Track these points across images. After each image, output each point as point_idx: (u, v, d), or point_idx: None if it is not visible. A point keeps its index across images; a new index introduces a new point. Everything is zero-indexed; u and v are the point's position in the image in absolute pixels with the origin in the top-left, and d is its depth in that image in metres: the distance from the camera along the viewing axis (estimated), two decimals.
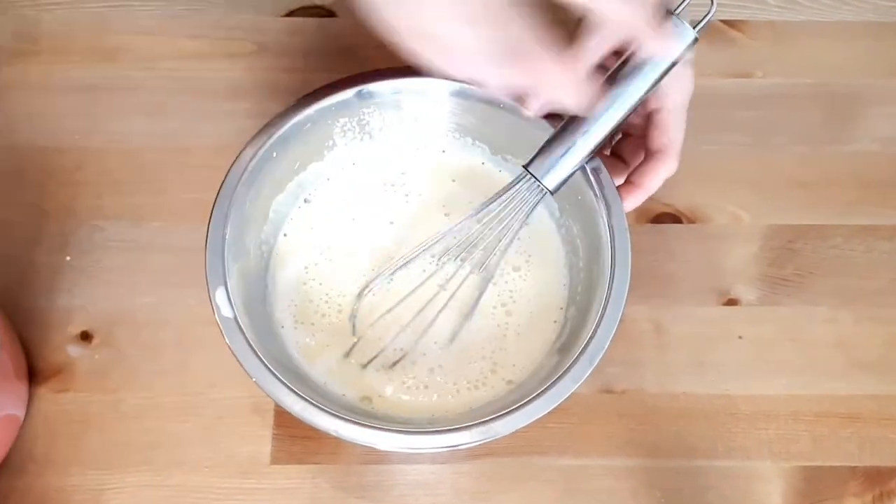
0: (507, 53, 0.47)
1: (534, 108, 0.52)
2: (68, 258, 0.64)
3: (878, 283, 0.64)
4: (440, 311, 0.55)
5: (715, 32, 0.73)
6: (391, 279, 0.56)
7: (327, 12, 0.74)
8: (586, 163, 0.52)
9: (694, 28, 0.48)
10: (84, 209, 0.65)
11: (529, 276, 0.58)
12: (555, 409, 0.48)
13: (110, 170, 0.67)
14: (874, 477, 0.59)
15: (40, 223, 0.65)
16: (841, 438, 0.60)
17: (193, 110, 0.69)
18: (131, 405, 0.60)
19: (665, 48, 0.48)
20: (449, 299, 0.54)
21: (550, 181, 0.51)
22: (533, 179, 0.51)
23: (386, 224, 0.59)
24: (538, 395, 0.48)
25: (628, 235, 0.52)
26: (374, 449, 0.48)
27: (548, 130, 0.53)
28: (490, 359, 0.55)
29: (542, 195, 0.52)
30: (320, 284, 0.57)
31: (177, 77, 0.71)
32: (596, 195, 0.53)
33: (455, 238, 0.55)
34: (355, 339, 0.56)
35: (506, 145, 0.59)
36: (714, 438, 0.59)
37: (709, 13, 0.48)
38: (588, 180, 0.53)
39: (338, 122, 0.57)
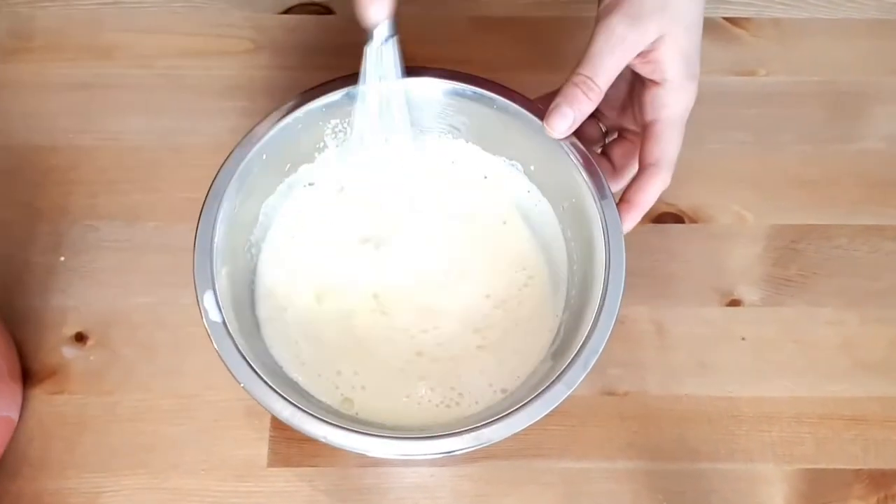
0: None
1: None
2: (62, 258, 0.64)
3: (883, 284, 0.65)
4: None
5: (718, 30, 0.73)
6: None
7: (325, 9, 0.74)
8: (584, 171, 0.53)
9: None
10: (78, 208, 0.66)
11: (529, 279, 0.58)
12: (548, 414, 0.48)
13: (105, 169, 0.67)
14: (878, 480, 0.59)
15: (34, 222, 0.65)
16: (845, 441, 0.60)
17: (189, 109, 0.69)
18: (127, 407, 0.60)
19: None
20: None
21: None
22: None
23: (377, 227, 0.59)
24: (531, 400, 0.48)
25: (622, 238, 0.52)
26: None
27: (537, 127, 0.53)
28: (483, 368, 0.55)
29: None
30: (306, 288, 0.57)
31: (173, 75, 0.71)
32: (593, 197, 0.53)
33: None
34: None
35: (499, 145, 0.59)
36: (717, 441, 0.59)
37: None
38: (584, 182, 0.53)
39: (329, 123, 0.57)
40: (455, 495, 0.58)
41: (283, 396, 0.48)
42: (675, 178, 0.53)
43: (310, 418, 0.47)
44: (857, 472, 0.59)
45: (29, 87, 0.70)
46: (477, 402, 0.53)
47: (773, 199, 0.67)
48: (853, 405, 0.61)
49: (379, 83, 0.52)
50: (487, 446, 0.47)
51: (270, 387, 0.48)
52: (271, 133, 0.54)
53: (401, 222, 0.59)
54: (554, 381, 0.48)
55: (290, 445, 0.59)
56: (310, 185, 0.59)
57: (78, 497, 0.57)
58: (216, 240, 0.51)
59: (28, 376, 0.60)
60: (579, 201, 0.54)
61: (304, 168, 0.59)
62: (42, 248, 0.64)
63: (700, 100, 0.53)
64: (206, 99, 0.70)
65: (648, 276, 0.64)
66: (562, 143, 0.54)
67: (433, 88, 0.55)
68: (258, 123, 0.54)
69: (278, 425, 0.59)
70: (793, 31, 0.73)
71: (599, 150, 0.58)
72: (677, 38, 0.50)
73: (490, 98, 0.55)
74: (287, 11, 0.74)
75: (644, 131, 0.53)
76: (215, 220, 0.52)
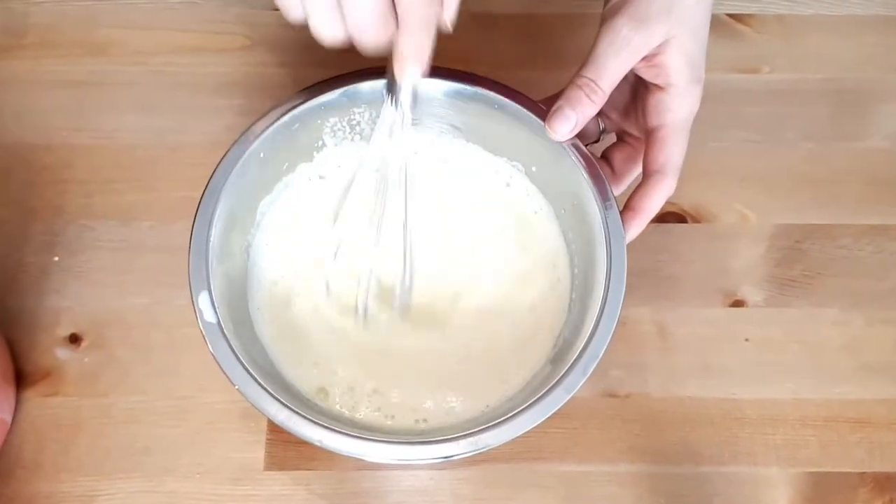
0: None
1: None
2: (56, 258, 0.64)
3: (889, 284, 0.64)
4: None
5: (722, 26, 0.73)
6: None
7: None
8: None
9: None
10: (73, 208, 0.65)
11: (529, 283, 0.57)
12: (546, 419, 0.47)
13: (100, 167, 0.67)
14: (884, 483, 0.59)
15: (28, 222, 0.65)
16: (850, 444, 0.60)
17: (185, 106, 0.69)
18: (122, 409, 0.59)
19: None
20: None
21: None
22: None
23: (376, 226, 0.58)
24: (530, 405, 0.48)
25: (624, 243, 0.52)
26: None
27: (538, 128, 0.53)
28: (483, 372, 0.55)
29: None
30: (304, 288, 0.57)
31: (168, 72, 0.71)
32: (595, 200, 0.53)
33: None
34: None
35: (500, 145, 0.59)
36: (720, 444, 0.59)
37: None
38: (587, 185, 0.53)
39: (327, 122, 0.57)
40: (454, 499, 0.58)
41: (277, 399, 0.48)
42: (679, 176, 0.53)
43: (305, 422, 0.47)
44: (862, 475, 0.59)
45: (22, 85, 0.70)
46: (475, 407, 0.53)
47: (777, 199, 0.67)
48: (858, 407, 0.61)
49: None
50: (485, 451, 0.47)
51: (265, 389, 0.48)
52: (269, 131, 0.54)
53: (400, 222, 0.58)
54: (553, 386, 0.48)
55: (286, 449, 0.59)
56: (318, 178, 0.59)
57: (72, 500, 0.57)
58: (212, 239, 0.51)
59: (21, 378, 0.60)
60: (581, 204, 0.54)
61: (301, 167, 0.59)
62: (36, 247, 0.64)
63: (703, 97, 0.53)
64: (202, 96, 0.70)
65: (650, 276, 0.64)
66: (564, 144, 0.53)
67: (434, 87, 0.55)
68: (256, 121, 0.54)
69: (275, 428, 0.59)
70: (797, 27, 0.73)
71: (599, 154, 0.58)
72: (683, 41, 0.50)
73: (491, 98, 0.55)
74: None
75: (648, 136, 0.53)
76: (211, 219, 0.52)
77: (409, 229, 0.55)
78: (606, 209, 0.52)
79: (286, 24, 0.72)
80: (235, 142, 0.54)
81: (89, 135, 0.68)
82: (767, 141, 0.69)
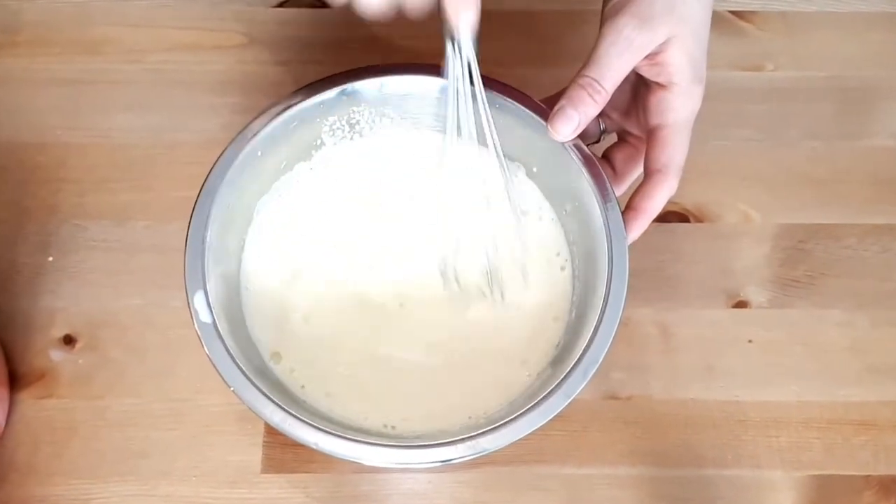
0: None
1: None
2: (50, 258, 0.64)
3: (894, 285, 0.64)
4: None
5: (724, 23, 0.73)
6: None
7: (320, 3, 0.73)
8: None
9: None
10: (67, 207, 0.65)
11: (530, 284, 0.57)
12: (545, 424, 0.47)
13: (94, 167, 0.67)
14: (889, 486, 0.58)
15: (21, 222, 0.65)
16: (855, 446, 0.59)
17: (181, 105, 0.69)
18: (116, 412, 0.59)
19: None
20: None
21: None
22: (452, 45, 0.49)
23: (375, 225, 0.58)
24: (529, 409, 0.47)
25: (626, 244, 0.51)
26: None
27: (540, 128, 0.53)
28: (483, 374, 0.55)
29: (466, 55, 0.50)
30: (302, 289, 0.57)
31: (164, 70, 0.71)
32: (596, 200, 0.52)
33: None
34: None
35: (501, 144, 0.58)
36: (723, 446, 0.59)
37: None
38: (588, 185, 0.53)
39: (326, 120, 0.57)
40: (454, 503, 0.58)
41: (273, 401, 0.47)
42: (681, 175, 0.53)
43: (301, 424, 0.47)
44: (867, 478, 0.59)
45: (16, 83, 0.70)
46: (474, 411, 0.53)
47: (781, 198, 0.67)
48: (863, 410, 0.60)
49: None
50: (484, 455, 0.47)
51: (261, 391, 0.48)
52: (266, 130, 0.54)
53: (400, 221, 0.58)
54: (552, 389, 0.48)
55: (284, 451, 0.58)
56: (302, 180, 0.59)
57: None
58: (208, 239, 0.51)
59: (15, 380, 0.60)
60: (582, 204, 0.54)
61: (300, 166, 0.58)
62: (30, 248, 0.64)
63: (705, 95, 0.52)
64: (198, 95, 0.69)
65: (653, 276, 0.64)
66: (565, 144, 0.53)
67: (433, 86, 0.55)
68: (253, 120, 0.54)
69: (272, 431, 0.58)
70: (800, 24, 0.73)
71: (600, 154, 0.58)
72: (685, 40, 0.50)
73: (492, 97, 0.54)
74: (281, 5, 0.73)
75: (649, 136, 0.53)
76: (208, 218, 0.51)
77: (408, 227, 0.55)
78: (608, 209, 0.52)
79: (283, 22, 0.73)
80: (232, 140, 0.53)
81: (84, 133, 0.68)
82: (771, 140, 0.69)
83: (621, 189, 0.57)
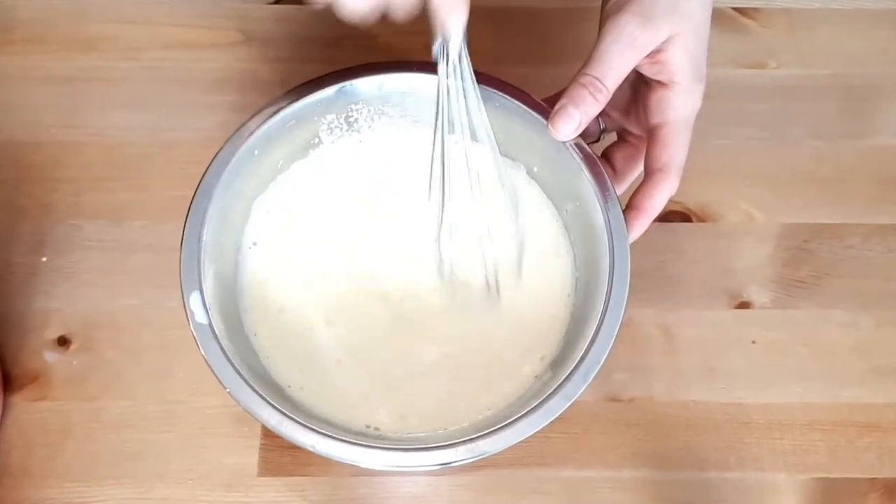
0: None
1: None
2: (45, 258, 0.64)
3: None
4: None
5: (727, 20, 0.73)
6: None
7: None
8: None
9: None
10: (62, 207, 0.65)
11: (531, 284, 0.57)
12: (545, 426, 0.47)
13: (89, 165, 0.67)
14: (894, 489, 0.58)
15: (15, 221, 0.65)
16: (859, 449, 0.59)
17: (177, 103, 0.69)
18: (111, 414, 0.59)
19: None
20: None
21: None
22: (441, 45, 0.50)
23: (373, 225, 0.58)
24: (529, 411, 0.47)
25: (627, 244, 0.51)
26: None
27: (540, 127, 0.53)
28: (484, 376, 0.54)
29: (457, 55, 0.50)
30: (299, 290, 0.57)
31: (160, 68, 0.71)
32: (597, 200, 0.52)
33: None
34: None
35: (501, 143, 0.58)
36: (726, 449, 0.59)
37: None
38: (589, 184, 0.53)
39: (324, 118, 0.56)
40: None
41: (269, 403, 0.47)
42: (682, 175, 0.53)
43: (298, 426, 0.47)
44: (872, 481, 0.59)
45: (10, 81, 0.70)
46: (473, 413, 0.53)
47: (784, 197, 0.67)
48: (868, 411, 0.60)
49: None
50: (484, 458, 0.47)
51: (257, 393, 0.48)
52: (263, 128, 0.54)
53: (399, 220, 0.58)
54: (553, 392, 0.48)
55: (281, 454, 0.58)
56: (301, 180, 0.59)
57: None
58: (204, 238, 0.51)
59: (8, 382, 0.60)
60: (583, 204, 0.54)
61: (297, 164, 0.58)
62: (24, 248, 0.64)
63: (707, 94, 0.52)
64: (195, 92, 0.69)
65: (654, 277, 0.63)
66: (566, 143, 0.53)
67: (432, 84, 0.55)
68: (250, 118, 0.54)
69: (269, 433, 0.58)
70: (804, 21, 0.73)
71: (600, 153, 0.58)
72: (686, 38, 0.50)
73: (491, 94, 0.54)
74: (278, 2, 0.73)
75: (650, 135, 0.53)
76: (204, 217, 0.51)
77: (407, 226, 0.55)
78: (609, 209, 0.52)
79: (281, 19, 0.73)
80: (229, 139, 0.53)
81: (79, 132, 0.68)
82: (774, 138, 0.69)
83: (622, 188, 0.57)
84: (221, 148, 0.53)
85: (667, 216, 0.65)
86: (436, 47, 0.50)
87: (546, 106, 0.53)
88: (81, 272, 0.63)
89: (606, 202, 0.52)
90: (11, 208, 0.65)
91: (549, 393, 0.48)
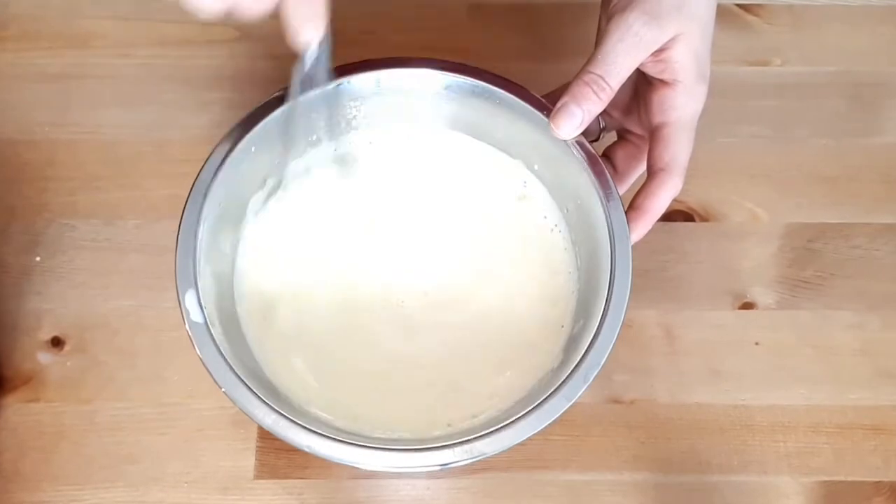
0: None
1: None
2: (38, 258, 0.64)
3: None
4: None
5: (730, 17, 0.73)
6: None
7: None
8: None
9: None
10: (55, 206, 0.66)
11: (532, 284, 0.57)
12: (544, 428, 0.47)
13: (83, 164, 0.67)
14: None
15: (8, 221, 0.65)
16: (865, 452, 0.60)
17: (172, 100, 0.69)
18: (106, 416, 0.60)
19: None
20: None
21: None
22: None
23: (370, 224, 0.59)
24: (527, 412, 0.48)
25: (629, 244, 0.52)
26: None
27: (542, 125, 0.53)
28: (483, 379, 0.55)
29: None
30: (296, 289, 0.57)
31: (154, 65, 0.71)
32: (599, 199, 0.52)
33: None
34: None
35: (501, 141, 0.59)
36: (729, 452, 0.59)
37: None
38: (591, 183, 0.53)
39: (322, 115, 0.57)
40: None
41: (266, 403, 0.48)
42: (686, 173, 0.53)
43: (294, 427, 0.47)
44: (878, 484, 0.59)
45: (2, 79, 0.70)
46: (473, 414, 0.53)
47: (789, 197, 0.67)
48: (873, 414, 0.61)
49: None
50: (482, 459, 0.47)
51: (254, 392, 0.48)
52: (260, 125, 0.54)
53: (396, 221, 0.59)
54: (552, 393, 0.48)
55: (278, 456, 0.59)
56: (299, 176, 0.59)
57: None
58: (200, 236, 0.51)
59: (1, 383, 0.60)
60: (585, 204, 0.54)
61: (295, 163, 0.59)
62: (16, 247, 0.64)
63: (711, 91, 0.53)
64: (189, 90, 0.70)
65: (657, 277, 0.64)
66: (568, 142, 0.53)
67: (432, 81, 0.55)
68: (246, 115, 0.54)
69: (266, 435, 0.58)
70: (809, 18, 0.73)
71: (600, 153, 0.58)
72: (692, 37, 0.50)
73: (492, 92, 0.55)
74: None
75: (652, 135, 0.53)
76: (200, 216, 0.52)
77: (405, 226, 0.55)
78: (611, 208, 0.52)
79: (276, 15, 0.72)
80: (225, 136, 0.54)
81: (72, 130, 0.68)
82: (778, 136, 0.69)
83: (623, 188, 0.57)
84: (218, 144, 0.53)
85: (669, 215, 0.65)
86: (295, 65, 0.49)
87: (547, 103, 0.54)
88: (75, 272, 0.64)
89: (608, 202, 0.52)
90: (3, 207, 0.65)
91: (548, 394, 0.48)
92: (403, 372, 0.55)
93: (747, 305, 0.64)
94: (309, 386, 0.54)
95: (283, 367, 0.54)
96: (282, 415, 0.47)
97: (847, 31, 0.73)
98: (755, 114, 0.70)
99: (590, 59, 0.51)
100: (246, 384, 0.48)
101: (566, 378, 0.48)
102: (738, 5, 0.74)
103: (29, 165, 0.67)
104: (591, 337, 0.49)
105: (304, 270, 0.57)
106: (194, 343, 0.49)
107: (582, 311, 0.54)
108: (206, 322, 0.49)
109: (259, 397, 0.48)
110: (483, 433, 0.47)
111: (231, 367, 0.48)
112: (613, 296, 0.50)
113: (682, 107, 0.52)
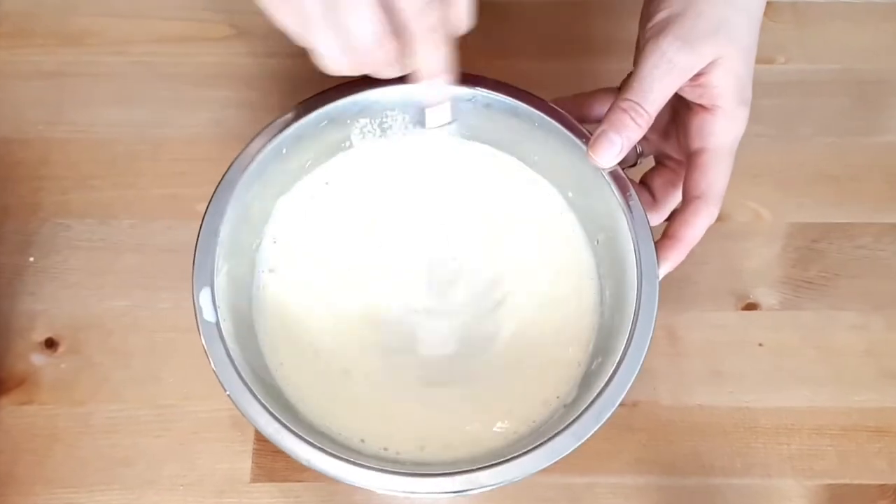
0: None
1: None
2: (31, 259, 0.64)
3: None
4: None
5: None
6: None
7: None
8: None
9: None
10: (49, 205, 0.66)
11: (556, 313, 0.56)
12: (551, 465, 0.48)
13: (77, 163, 0.67)
14: None
15: (1, 221, 0.65)
16: (869, 454, 0.60)
17: (167, 99, 0.69)
18: (100, 418, 0.60)
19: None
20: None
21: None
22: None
23: (395, 234, 0.58)
24: (535, 447, 0.47)
25: (657, 284, 0.51)
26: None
27: (578, 152, 0.53)
28: (494, 404, 0.54)
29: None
30: (315, 297, 0.57)
31: (149, 62, 0.71)
32: (631, 233, 0.52)
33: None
34: None
35: (540, 168, 0.58)
36: (732, 454, 0.60)
37: None
38: (625, 217, 0.52)
39: (357, 122, 0.56)
40: None
41: (268, 411, 0.48)
42: (722, 201, 0.53)
43: (296, 439, 0.47)
44: (883, 487, 0.59)
45: None
46: (480, 444, 0.53)
47: (793, 196, 0.67)
48: (878, 416, 0.61)
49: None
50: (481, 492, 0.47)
51: (258, 399, 0.48)
52: (293, 127, 0.54)
53: (423, 239, 0.58)
54: (562, 430, 0.48)
55: (275, 459, 0.59)
56: (326, 184, 0.59)
57: None
58: (221, 234, 0.51)
59: None
60: (616, 236, 0.53)
61: (325, 166, 0.58)
62: (9, 247, 0.64)
63: None
64: (185, 88, 0.70)
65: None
66: (603, 171, 0.53)
67: (463, 94, 0.55)
68: (281, 115, 0.54)
69: (262, 438, 0.58)
70: (813, 15, 0.74)
71: (638, 181, 0.57)
72: (731, 62, 0.50)
73: (530, 112, 0.54)
74: None
75: (689, 160, 0.52)
76: (223, 212, 0.51)
77: (433, 249, 0.55)
78: (640, 243, 0.52)
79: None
80: (257, 134, 0.53)
81: (66, 129, 0.68)
82: (782, 135, 0.69)
83: (661, 216, 0.57)
84: (249, 142, 0.53)
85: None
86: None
87: (582, 128, 0.54)
88: (69, 273, 0.64)
89: (638, 236, 0.52)
90: None
91: (558, 430, 0.48)
92: (415, 394, 0.54)
93: (750, 306, 0.64)
94: (317, 398, 0.54)
95: (294, 376, 0.54)
96: (283, 424, 0.47)
97: (851, 29, 0.73)
98: (759, 112, 0.68)
99: (627, 84, 0.51)
100: (251, 390, 0.48)
101: (578, 416, 0.48)
102: None
103: (22, 164, 0.67)
104: (608, 376, 0.49)
105: (326, 280, 0.57)
106: (204, 343, 0.49)
107: (601, 347, 0.54)
108: (217, 322, 0.49)
109: (263, 404, 0.48)
110: (486, 465, 0.47)
111: (237, 371, 0.48)
112: (635, 335, 0.50)
113: (721, 133, 0.51)
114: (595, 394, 0.49)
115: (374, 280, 0.57)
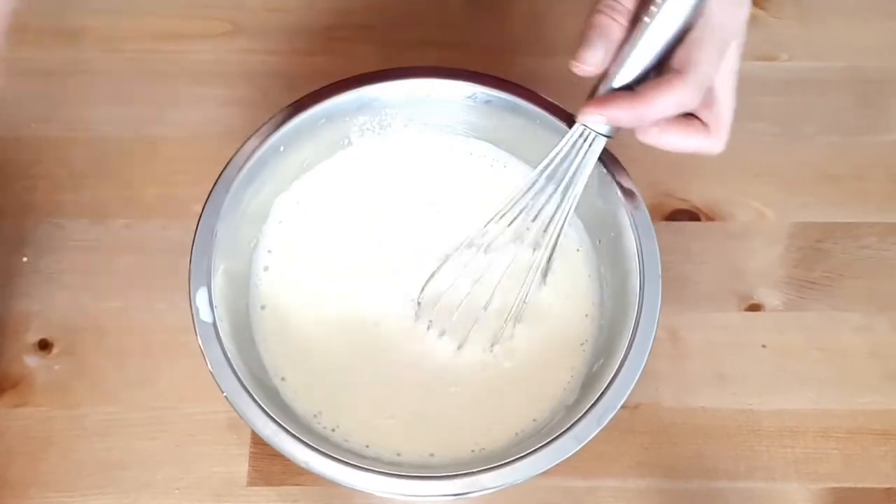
0: None
1: None
2: (25, 259, 0.64)
3: None
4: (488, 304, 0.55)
5: None
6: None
7: None
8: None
9: None
10: (42, 205, 0.66)
11: (555, 317, 0.57)
12: (552, 468, 0.48)
13: (71, 162, 0.67)
14: None
15: None
16: (875, 457, 0.60)
17: (163, 96, 0.69)
18: (95, 420, 0.59)
19: None
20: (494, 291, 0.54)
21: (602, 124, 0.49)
22: (584, 128, 0.50)
23: (394, 235, 0.58)
24: (536, 450, 0.48)
25: (660, 284, 0.52)
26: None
27: (561, 133, 0.52)
28: (495, 405, 0.55)
29: (595, 143, 0.50)
30: (312, 297, 0.57)
31: (145, 60, 0.71)
32: (634, 234, 0.53)
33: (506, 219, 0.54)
34: None
35: (522, 149, 0.59)
36: (735, 457, 0.60)
37: None
38: (627, 217, 0.53)
39: (356, 119, 0.56)
40: None
41: (266, 412, 0.48)
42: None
43: (293, 440, 0.47)
44: (888, 491, 0.59)
45: None
46: (480, 447, 0.53)
47: (796, 195, 0.67)
48: (884, 419, 0.61)
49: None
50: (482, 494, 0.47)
51: (255, 400, 0.48)
52: (292, 124, 0.54)
53: (422, 242, 0.58)
54: (563, 433, 0.48)
55: (272, 462, 0.59)
56: (325, 182, 0.59)
57: None
58: (218, 235, 0.51)
59: None
60: (618, 235, 0.54)
61: (323, 164, 0.58)
62: (3, 248, 0.64)
63: None
64: (181, 86, 0.70)
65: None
66: (607, 170, 0.53)
67: (463, 91, 0.55)
68: (277, 113, 0.54)
69: (260, 440, 0.58)
70: (816, 11, 0.74)
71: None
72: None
73: (544, 117, 0.55)
74: None
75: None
76: (220, 211, 0.51)
77: (431, 241, 0.55)
78: (643, 245, 0.52)
79: (272, 8, 0.73)
80: (255, 132, 0.53)
81: (60, 127, 0.68)
82: (785, 134, 0.69)
83: (636, 107, 0.49)
84: (246, 140, 0.53)
85: (673, 215, 0.66)
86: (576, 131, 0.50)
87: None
88: (63, 273, 0.64)
89: (641, 236, 0.52)
90: None
91: (558, 433, 0.48)
92: (413, 396, 0.55)
93: (754, 307, 0.64)
94: (316, 399, 0.54)
95: (291, 377, 0.54)
96: (281, 426, 0.47)
97: (855, 26, 0.73)
98: (762, 110, 0.70)
99: None
100: (248, 391, 0.48)
101: (579, 418, 0.48)
102: None
103: (15, 163, 0.67)
104: (610, 378, 0.49)
105: (325, 278, 0.57)
106: (201, 343, 0.49)
107: (603, 349, 0.54)
108: (214, 322, 0.49)
109: (260, 406, 0.48)
110: (488, 467, 0.47)
111: (235, 372, 0.48)
112: (637, 337, 0.50)
113: (711, 13, 0.47)
114: (597, 396, 0.49)
115: (373, 278, 0.57)
